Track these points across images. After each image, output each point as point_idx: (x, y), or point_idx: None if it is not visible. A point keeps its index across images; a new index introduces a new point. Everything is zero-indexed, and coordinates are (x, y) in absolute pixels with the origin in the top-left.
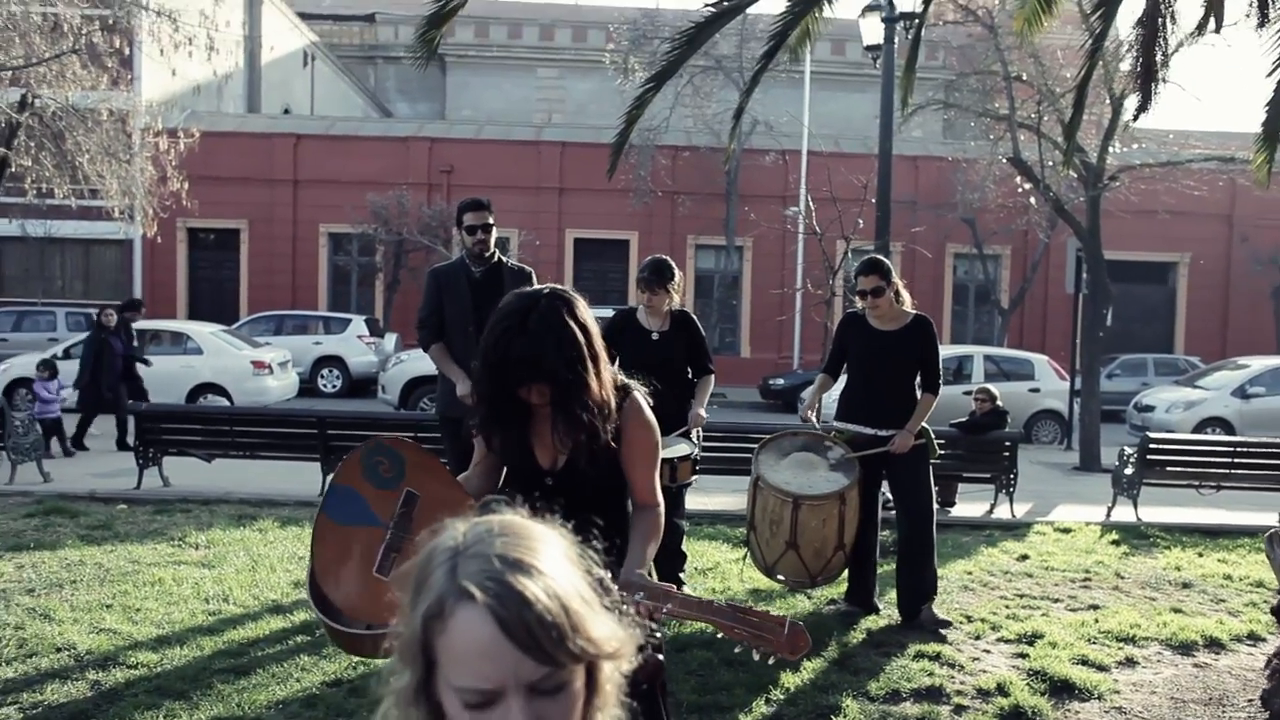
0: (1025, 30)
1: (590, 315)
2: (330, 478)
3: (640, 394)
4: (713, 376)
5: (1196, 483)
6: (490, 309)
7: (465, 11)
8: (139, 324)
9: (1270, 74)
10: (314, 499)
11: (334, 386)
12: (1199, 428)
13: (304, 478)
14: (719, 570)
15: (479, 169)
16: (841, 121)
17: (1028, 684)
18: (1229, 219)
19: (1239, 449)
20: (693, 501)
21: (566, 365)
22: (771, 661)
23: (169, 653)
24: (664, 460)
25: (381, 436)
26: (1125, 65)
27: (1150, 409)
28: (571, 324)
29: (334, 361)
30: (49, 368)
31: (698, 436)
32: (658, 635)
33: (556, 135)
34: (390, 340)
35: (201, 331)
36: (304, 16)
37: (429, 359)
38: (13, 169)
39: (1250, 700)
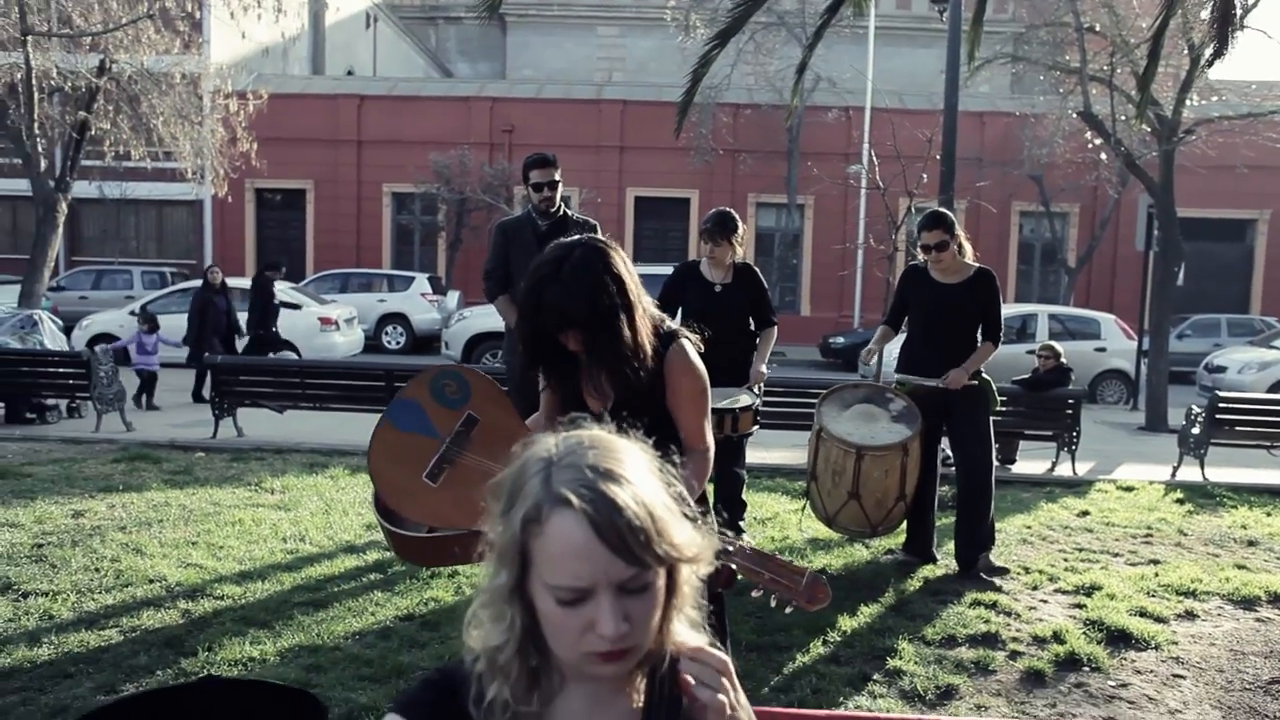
0: None
1: (626, 266)
2: (398, 393)
3: (686, 340)
4: (775, 329)
5: (1267, 443)
6: None
7: None
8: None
9: None
10: None
11: (397, 343)
12: (1273, 389)
13: (369, 429)
14: (778, 520)
15: (540, 128)
16: (905, 78)
17: (1084, 633)
18: None
19: None
20: (753, 455)
21: (595, 313)
22: (789, 610)
23: (251, 586)
24: (726, 410)
25: (453, 364)
26: (1205, 13)
27: (1222, 370)
28: (603, 273)
29: (398, 319)
30: (149, 319)
31: (759, 390)
32: (730, 548)
33: (617, 94)
34: (453, 298)
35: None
36: None
37: (493, 314)
38: (93, 132)
39: None
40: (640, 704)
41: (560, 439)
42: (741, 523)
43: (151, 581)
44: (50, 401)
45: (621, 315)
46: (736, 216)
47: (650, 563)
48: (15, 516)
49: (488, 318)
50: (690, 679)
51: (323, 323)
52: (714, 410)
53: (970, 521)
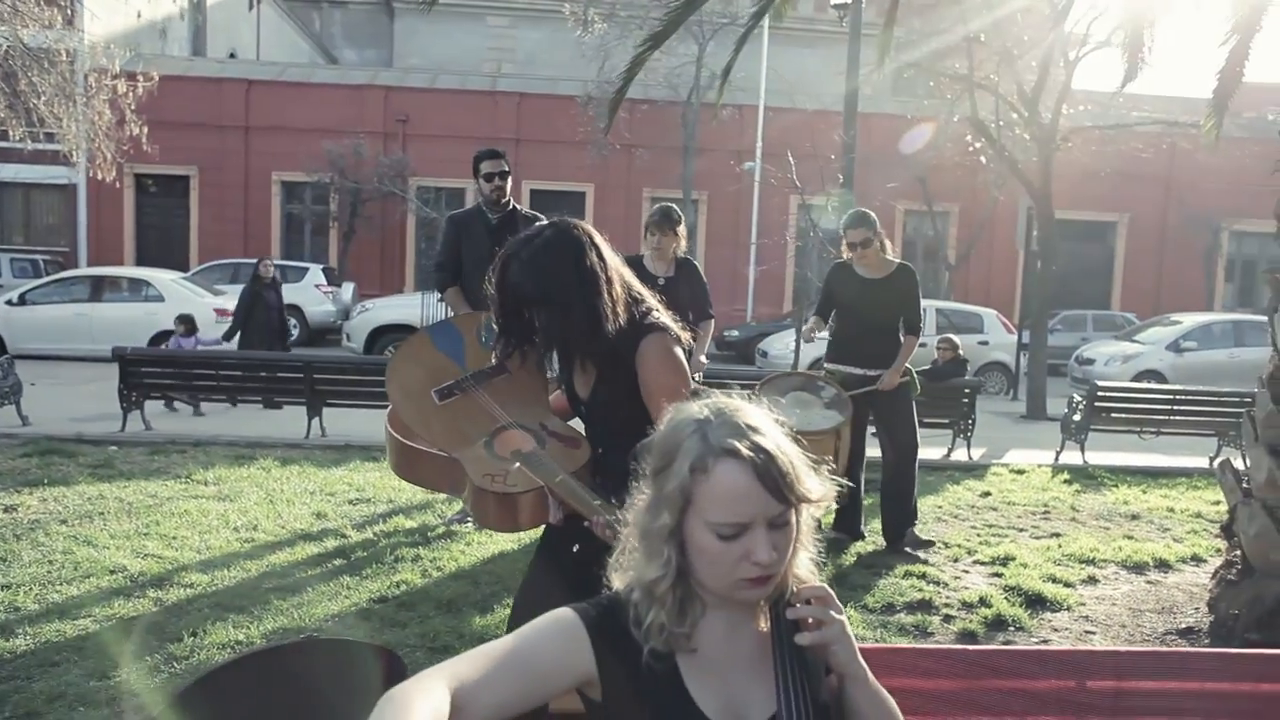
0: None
1: (599, 252)
2: (449, 317)
3: (663, 333)
4: (713, 321)
5: (1139, 429)
6: None
7: None
8: (100, 271)
9: (1223, 43)
10: (300, 442)
11: (292, 335)
12: (1135, 380)
13: (279, 422)
14: None
15: (435, 119)
16: (792, 77)
17: (1005, 598)
18: (1166, 181)
19: (1178, 397)
20: None
21: (543, 293)
22: None
23: (218, 574)
24: None
25: None
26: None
27: (1091, 362)
28: (564, 255)
29: (292, 310)
30: (186, 322)
31: (699, 379)
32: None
33: (512, 86)
34: (347, 289)
35: (162, 278)
36: None
37: (394, 305)
38: None
39: (1196, 608)
40: (766, 627)
41: (702, 405)
42: None
43: (113, 572)
44: None
45: (574, 298)
46: (679, 210)
47: (793, 501)
48: None
49: (390, 309)
50: (803, 607)
51: (218, 314)
52: None
53: (897, 500)
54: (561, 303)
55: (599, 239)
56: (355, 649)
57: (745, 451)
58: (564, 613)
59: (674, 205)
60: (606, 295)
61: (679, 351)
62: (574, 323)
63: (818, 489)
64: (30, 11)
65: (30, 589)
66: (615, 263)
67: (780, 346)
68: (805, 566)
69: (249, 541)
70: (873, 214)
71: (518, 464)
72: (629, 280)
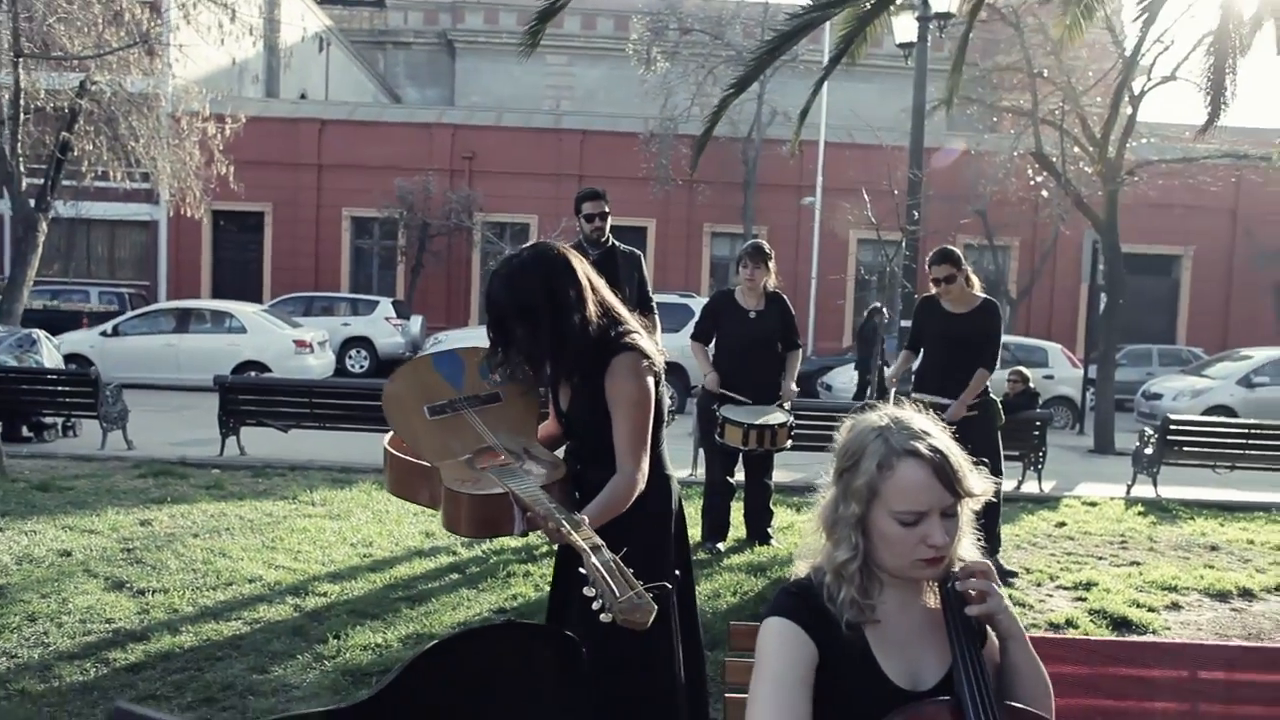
0: (1065, 37)
1: (574, 273)
2: (455, 349)
3: (633, 352)
4: (801, 351)
5: (1212, 463)
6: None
7: None
8: (186, 304)
9: None
10: None
11: (361, 366)
12: (1204, 415)
13: (364, 448)
14: (795, 528)
15: (500, 155)
16: (848, 112)
17: (1091, 620)
18: (1233, 213)
19: (1253, 431)
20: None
21: (515, 307)
22: (605, 618)
23: (346, 585)
24: (764, 427)
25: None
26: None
27: (1158, 397)
28: (536, 274)
29: (361, 342)
30: None
31: (789, 407)
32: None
33: (576, 123)
34: (415, 322)
35: (245, 311)
36: (317, 1)
37: (466, 339)
38: (75, 152)
39: None
40: (934, 604)
41: (881, 415)
42: (770, 530)
43: (251, 581)
44: (48, 420)
45: (544, 313)
46: (769, 246)
47: (961, 494)
48: (90, 524)
49: (465, 340)
50: (973, 580)
51: (298, 345)
52: (754, 426)
53: (983, 529)
54: (532, 318)
55: (575, 261)
56: (547, 632)
57: (925, 451)
58: (778, 622)
59: (764, 242)
60: (576, 314)
61: (645, 371)
62: (542, 338)
63: (979, 485)
64: (134, 61)
65: (183, 594)
66: (592, 285)
67: (844, 380)
68: (969, 550)
69: (367, 556)
70: (958, 250)
71: (492, 474)
72: (608, 302)
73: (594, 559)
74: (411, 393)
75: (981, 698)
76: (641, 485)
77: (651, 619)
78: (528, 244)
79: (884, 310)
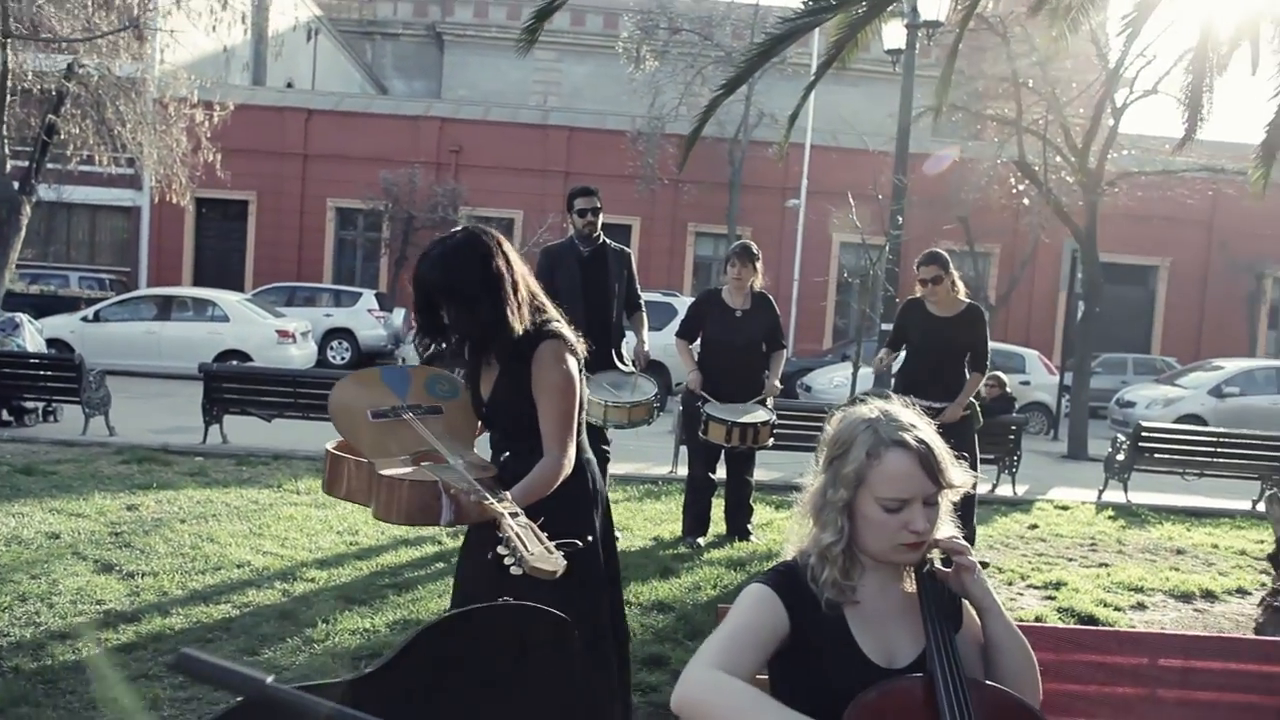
0: (1050, 48)
1: (505, 256)
2: (404, 365)
3: (559, 340)
4: (785, 351)
5: (1181, 470)
6: (596, 285)
7: None
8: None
9: (1272, 98)
10: None
11: (343, 358)
12: (1178, 423)
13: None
14: (774, 525)
15: (487, 150)
16: (833, 116)
17: (1060, 618)
18: (1209, 226)
19: (1222, 440)
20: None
21: (451, 288)
22: (516, 571)
23: (334, 571)
24: (747, 424)
25: (456, 375)
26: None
27: (1131, 405)
28: (470, 255)
29: (343, 334)
30: None
31: (772, 404)
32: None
33: (563, 120)
34: (398, 315)
35: (228, 299)
36: None
37: None
38: (61, 135)
39: (1243, 634)
40: (911, 588)
41: (871, 407)
42: (749, 526)
43: (239, 566)
44: (29, 405)
45: (479, 295)
46: (757, 247)
47: (943, 484)
48: (77, 508)
49: None
50: (947, 540)
51: (280, 335)
52: (737, 423)
53: (960, 518)
54: (468, 298)
55: (507, 246)
56: (540, 613)
57: (912, 443)
58: (758, 589)
59: (752, 243)
60: (512, 296)
61: (570, 358)
62: (479, 317)
63: (960, 477)
64: (123, 45)
65: (172, 577)
66: (521, 270)
67: (824, 381)
68: (947, 536)
69: (353, 544)
70: (945, 254)
71: (425, 467)
72: (534, 289)
73: (510, 522)
74: (357, 397)
75: (952, 674)
76: (568, 470)
77: (560, 571)
78: (458, 229)
79: None
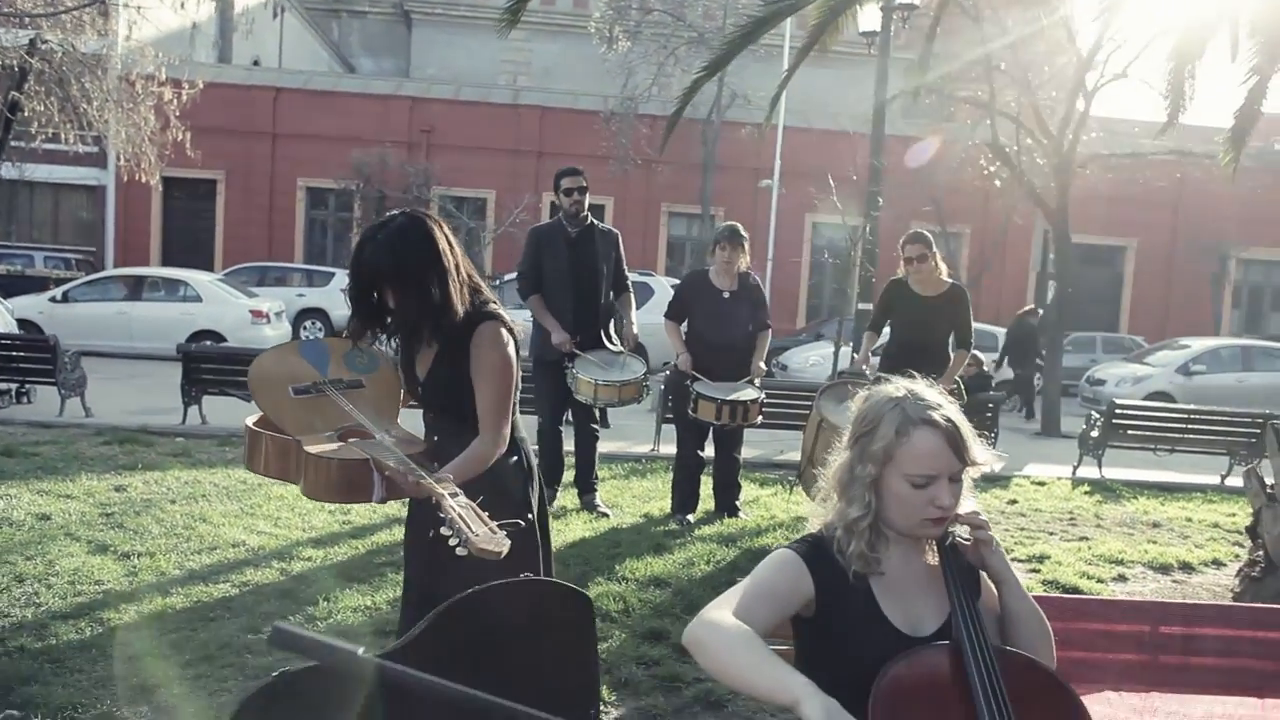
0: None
1: (446, 239)
2: (321, 338)
3: (497, 321)
4: (770, 331)
5: (1153, 445)
6: (584, 266)
7: None
8: (140, 271)
9: (1243, 83)
10: None
11: (316, 338)
12: (1145, 401)
13: None
14: (760, 501)
15: (458, 130)
16: (807, 97)
17: (1045, 590)
18: (1175, 207)
19: (1192, 416)
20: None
21: (400, 272)
22: (461, 552)
23: (330, 550)
24: (737, 402)
25: (379, 350)
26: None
27: (1101, 383)
28: (416, 239)
29: (316, 314)
30: None
31: (759, 384)
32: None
33: (535, 99)
34: None
35: (200, 279)
36: None
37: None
38: (25, 113)
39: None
40: (933, 560)
41: (897, 387)
42: (738, 503)
43: (234, 545)
44: (2, 386)
45: (429, 278)
46: (744, 229)
47: (968, 461)
48: (65, 489)
49: None
50: (967, 515)
51: (254, 315)
52: (726, 401)
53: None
54: (416, 281)
55: (446, 230)
56: (558, 587)
57: (940, 421)
58: (785, 553)
59: (739, 225)
60: (455, 278)
61: (509, 338)
62: (427, 300)
63: (983, 455)
64: (89, 20)
65: (168, 557)
66: (460, 252)
67: (799, 360)
68: (968, 511)
69: (347, 523)
70: (929, 233)
71: (353, 444)
72: (470, 270)
73: (450, 502)
74: (278, 373)
75: (979, 642)
76: (501, 450)
77: (505, 552)
78: (394, 212)
79: (1039, 311)
